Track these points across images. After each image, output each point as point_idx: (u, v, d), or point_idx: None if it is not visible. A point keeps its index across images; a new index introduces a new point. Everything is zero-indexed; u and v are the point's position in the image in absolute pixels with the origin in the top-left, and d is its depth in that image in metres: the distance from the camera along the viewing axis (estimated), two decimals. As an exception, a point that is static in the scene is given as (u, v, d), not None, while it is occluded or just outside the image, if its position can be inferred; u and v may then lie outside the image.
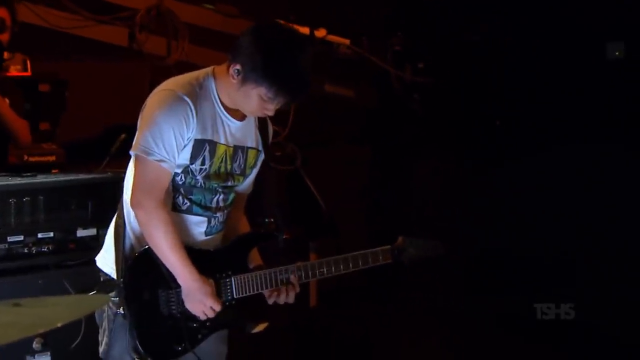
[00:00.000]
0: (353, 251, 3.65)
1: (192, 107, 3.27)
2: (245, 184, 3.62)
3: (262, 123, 3.56)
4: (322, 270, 3.56)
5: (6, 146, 4.68)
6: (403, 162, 6.77)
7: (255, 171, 3.62)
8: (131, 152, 3.34)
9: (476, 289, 5.98)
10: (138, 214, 3.32)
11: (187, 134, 3.28)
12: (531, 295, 5.78)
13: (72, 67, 5.28)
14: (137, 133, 3.32)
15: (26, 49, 4.70)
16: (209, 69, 3.42)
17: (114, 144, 4.51)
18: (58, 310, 2.37)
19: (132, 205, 3.33)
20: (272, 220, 4.60)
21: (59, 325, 2.12)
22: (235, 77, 3.28)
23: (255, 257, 3.61)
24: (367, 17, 6.49)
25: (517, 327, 5.77)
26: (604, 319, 5.67)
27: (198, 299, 3.35)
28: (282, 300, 3.52)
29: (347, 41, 6.18)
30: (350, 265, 3.58)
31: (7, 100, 4.61)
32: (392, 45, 6.49)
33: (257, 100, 3.28)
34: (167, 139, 3.24)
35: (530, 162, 6.06)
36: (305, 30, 5.67)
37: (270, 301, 3.52)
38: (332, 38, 6.09)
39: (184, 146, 3.29)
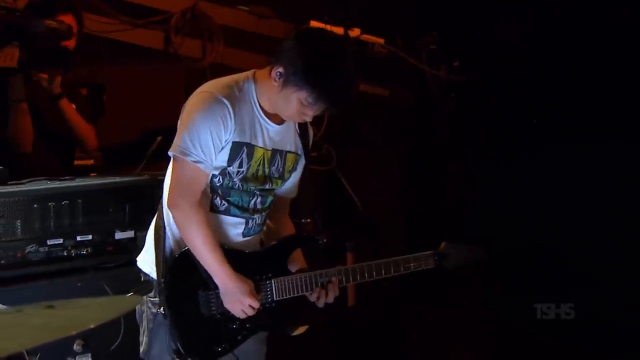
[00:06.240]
0: (390, 250, 3.64)
1: (230, 110, 3.28)
2: (286, 187, 3.62)
3: (302, 128, 3.56)
4: (363, 274, 3.54)
5: (72, 150, 4.75)
6: (439, 161, 6.75)
7: (296, 175, 3.62)
8: (169, 153, 3.36)
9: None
10: (175, 214, 3.34)
11: (225, 136, 3.29)
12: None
13: (109, 71, 5.33)
14: (176, 134, 3.34)
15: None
16: (249, 73, 3.43)
17: (150, 147, 4.54)
18: (91, 311, 2.38)
19: (169, 205, 3.35)
20: (308, 221, 4.62)
21: (92, 326, 2.13)
22: (276, 80, 3.28)
23: (298, 260, 3.60)
24: (401, 15, 6.48)
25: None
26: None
27: (236, 298, 3.36)
28: (321, 302, 3.51)
29: (381, 40, 6.17)
30: (392, 270, 3.56)
31: (73, 106, 4.66)
32: (426, 43, 6.47)
33: (296, 104, 3.28)
34: (204, 141, 3.26)
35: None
36: (339, 30, 5.68)
37: (312, 298, 3.52)
38: (366, 37, 6.08)
39: (222, 148, 3.30)
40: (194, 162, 3.27)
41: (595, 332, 5.57)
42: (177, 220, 3.35)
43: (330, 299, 3.52)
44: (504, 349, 5.65)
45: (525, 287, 5.83)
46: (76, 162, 4.74)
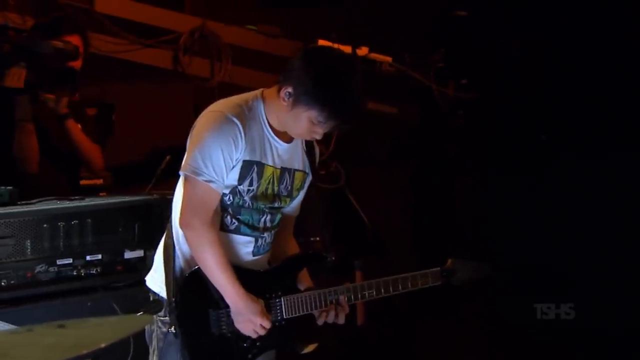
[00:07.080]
0: (399, 268, 3.65)
1: (241, 129, 3.29)
2: (292, 206, 3.63)
3: (308, 146, 3.57)
4: (371, 291, 3.56)
5: (78, 170, 4.76)
6: (447, 178, 6.76)
7: (302, 193, 3.63)
8: (180, 173, 3.37)
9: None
10: (187, 233, 3.34)
11: (236, 155, 3.30)
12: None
13: (118, 90, 5.35)
14: (186, 154, 3.34)
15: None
16: (257, 92, 3.44)
17: (159, 166, 4.55)
18: (102, 331, 2.38)
19: (181, 225, 3.35)
20: (317, 239, 4.62)
21: (103, 346, 2.13)
22: (286, 99, 3.29)
23: (305, 278, 3.60)
24: (409, 34, 6.50)
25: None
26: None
27: (247, 318, 3.36)
28: (331, 319, 3.52)
29: (389, 58, 6.19)
30: (400, 287, 3.59)
31: (79, 126, 4.67)
32: (434, 61, 6.49)
33: (306, 123, 3.29)
34: (215, 160, 3.26)
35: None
36: (347, 48, 5.69)
37: (320, 322, 3.52)
38: (374, 56, 6.10)
39: (233, 167, 3.31)
40: (206, 181, 3.27)
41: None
42: (189, 240, 3.35)
43: (341, 320, 3.53)
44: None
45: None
46: (82, 182, 4.74)
